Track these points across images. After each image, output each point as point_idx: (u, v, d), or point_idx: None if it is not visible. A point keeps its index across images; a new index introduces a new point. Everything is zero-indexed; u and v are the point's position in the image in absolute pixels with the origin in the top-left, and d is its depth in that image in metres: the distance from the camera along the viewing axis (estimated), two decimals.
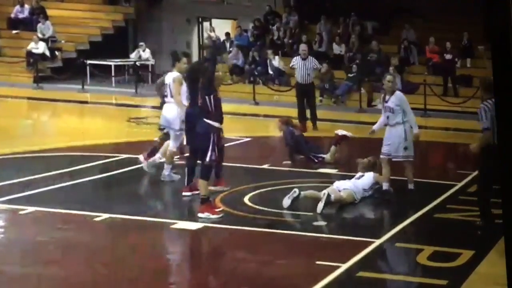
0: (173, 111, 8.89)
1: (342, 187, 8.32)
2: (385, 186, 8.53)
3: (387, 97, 8.58)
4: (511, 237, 2.32)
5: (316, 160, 10.46)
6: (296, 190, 8.08)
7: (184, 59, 9.07)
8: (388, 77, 8.75)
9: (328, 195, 7.91)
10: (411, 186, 8.68)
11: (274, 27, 20.61)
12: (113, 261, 6.46)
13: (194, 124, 7.84)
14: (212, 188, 8.29)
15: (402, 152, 8.43)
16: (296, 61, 13.02)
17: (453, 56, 18.10)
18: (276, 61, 18.77)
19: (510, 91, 2.35)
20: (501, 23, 2.32)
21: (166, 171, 9.10)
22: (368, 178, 8.58)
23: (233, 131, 12.71)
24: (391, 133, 8.50)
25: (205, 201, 7.60)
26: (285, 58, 18.37)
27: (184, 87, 8.74)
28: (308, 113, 13.58)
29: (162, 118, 9.18)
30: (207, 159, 7.49)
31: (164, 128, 9.43)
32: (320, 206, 7.83)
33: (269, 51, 18.86)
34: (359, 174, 8.65)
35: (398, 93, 8.67)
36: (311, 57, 12.94)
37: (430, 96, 17.07)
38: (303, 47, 13.06)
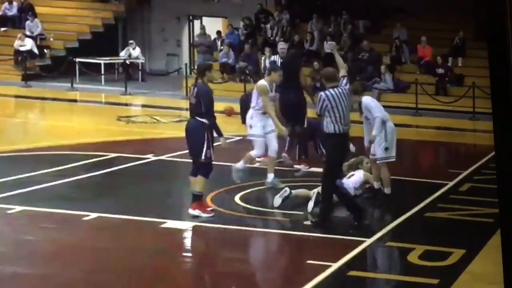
0: (252, 118, 8.77)
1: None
2: (376, 185, 8.48)
3: None
4: (508, 236, 2.29)
5: (318, 151, 10.36)
6: (287, 189, 8.03)
7: (280, 72, 9.02)
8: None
9: (318, 194, 7.87)
10: (387, 190, 8.33)
11: (268, 26, 20.57)
12: (101, 260, 6.40)
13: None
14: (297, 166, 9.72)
15: (382, 154, 8.19)
16: (275, 60, 11.53)
17: (446, 70, 18.06)
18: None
19: (506, 90, 2.32)
20: (497, 22, 2.29)
21: (269, 178, 8.78)
22: (358, 176, 8.54)
23: (224, 129, 12.62)
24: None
25: (197, 198, 7.51)
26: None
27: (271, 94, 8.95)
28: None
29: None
30: (203, 157, 7.43)
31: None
32: (311, 205, 7.79)
33: (267, 49, 18.75)
34: (350, 173, 8.61)
35: (365, 99, 8.34)
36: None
37: (421, 95, 17.09)
38: (281, 45, 12.23)
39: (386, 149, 8.18)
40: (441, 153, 13.47)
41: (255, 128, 8.74)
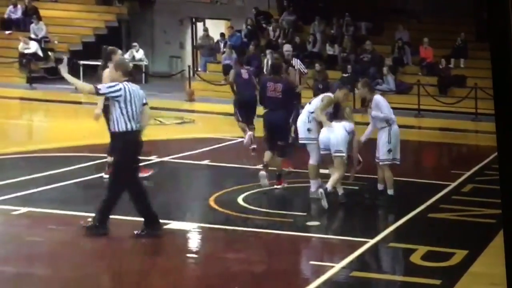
0: (311, 122, 8.60)
1: (335, 147, 8.11)
2: (379, 187, 8.52)
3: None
4: (511, 237, 2.32)
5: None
6: (321, 191, 8.00)
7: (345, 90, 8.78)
8: (358, 86, 8.68)
9: (322, 192, 7.92)
10: (390, 191, 8.35)
11: (270, 28, 20.63)
12: (104, 261, 6.44)
13: None
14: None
15: (386, 156, 8.25)
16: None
17: (449, 71, 18.11)
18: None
19: (509, 91, 2.35)
20: (500, 22, 2.32)
21: (312, 187, 8.58)
22: (349, 126, 8.32)
23: (227, 131, 12.69)
24: (378, 136, 8.43)
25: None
26: None
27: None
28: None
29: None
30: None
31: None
32: (324, 203, 7.86)
33: (268, 51, 18.81)
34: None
35: (376, 97, 8.39)
36: (296, 59, 11.92)
37: (423, 96, 17.12)
38: (286, 47, 12.20)
39: (389, 151, 8.23)
40: (444, 154, 13.50)
41: (314, 131, 8.52)
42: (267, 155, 8.92)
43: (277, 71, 9.10)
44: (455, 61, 18.54)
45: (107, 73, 8.56)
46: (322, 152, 8.28)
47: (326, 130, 8.22)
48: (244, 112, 11.02)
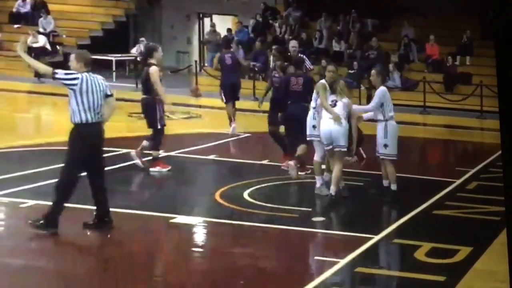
0: (316, 119, 8.58)
1: (335, 142, 8.14)
2: (385, 183, 8.54)
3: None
4: None
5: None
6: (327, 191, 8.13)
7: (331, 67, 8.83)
8: (372, 72, 8.62)
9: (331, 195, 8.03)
10: (393, 186, 8.34)
11: (277, 24, 20.66)
12: (110, 255, 6.49)
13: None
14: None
15: (383, 150, 8.27)
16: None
17: (455, 68, 18.12)
18: None
19: None
20: (505, 21, 2.34)
21: (317, 183, 8.59)
22: (344, 105, 8.27)
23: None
24: (377, 129, 8.44)
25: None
26: None
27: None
28: None
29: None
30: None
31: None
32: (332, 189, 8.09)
33: (274, 47, 18.77)
34: (332, 99, 8.32)
35: (379, 88, 8.33)
36: (301, 55, 11.27)
37: (429, 93, 17.13)
38: (293, 43, 12.27)
39: (385, 146, 8.24)
40: (449, 151, 13.52)
41: (318, 128, 8.46)
42: (301, 148, 9.05)
43: (299, 66, 9.56)
44: (461, 59, 18.53)
45: (153, 70, 9.36)
46: (326, 148, 8.30)
47: (326, 123, 8.19)
48: (229, 93, 12.26)
